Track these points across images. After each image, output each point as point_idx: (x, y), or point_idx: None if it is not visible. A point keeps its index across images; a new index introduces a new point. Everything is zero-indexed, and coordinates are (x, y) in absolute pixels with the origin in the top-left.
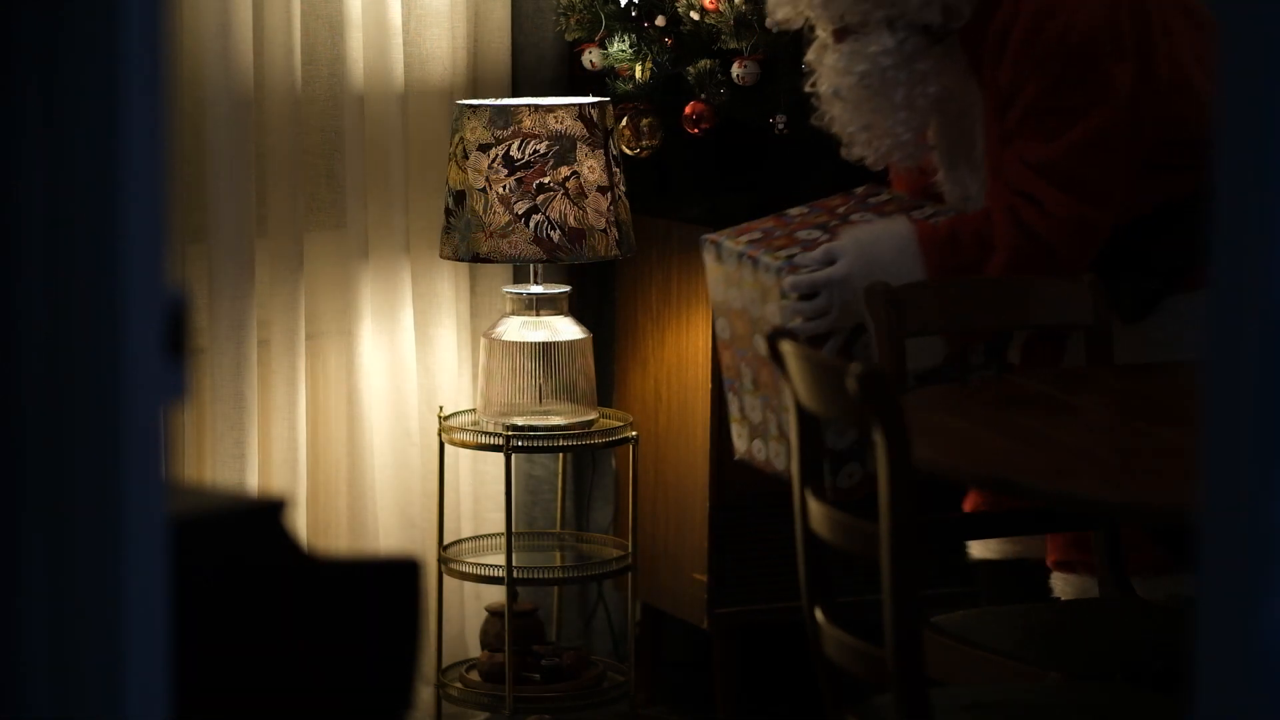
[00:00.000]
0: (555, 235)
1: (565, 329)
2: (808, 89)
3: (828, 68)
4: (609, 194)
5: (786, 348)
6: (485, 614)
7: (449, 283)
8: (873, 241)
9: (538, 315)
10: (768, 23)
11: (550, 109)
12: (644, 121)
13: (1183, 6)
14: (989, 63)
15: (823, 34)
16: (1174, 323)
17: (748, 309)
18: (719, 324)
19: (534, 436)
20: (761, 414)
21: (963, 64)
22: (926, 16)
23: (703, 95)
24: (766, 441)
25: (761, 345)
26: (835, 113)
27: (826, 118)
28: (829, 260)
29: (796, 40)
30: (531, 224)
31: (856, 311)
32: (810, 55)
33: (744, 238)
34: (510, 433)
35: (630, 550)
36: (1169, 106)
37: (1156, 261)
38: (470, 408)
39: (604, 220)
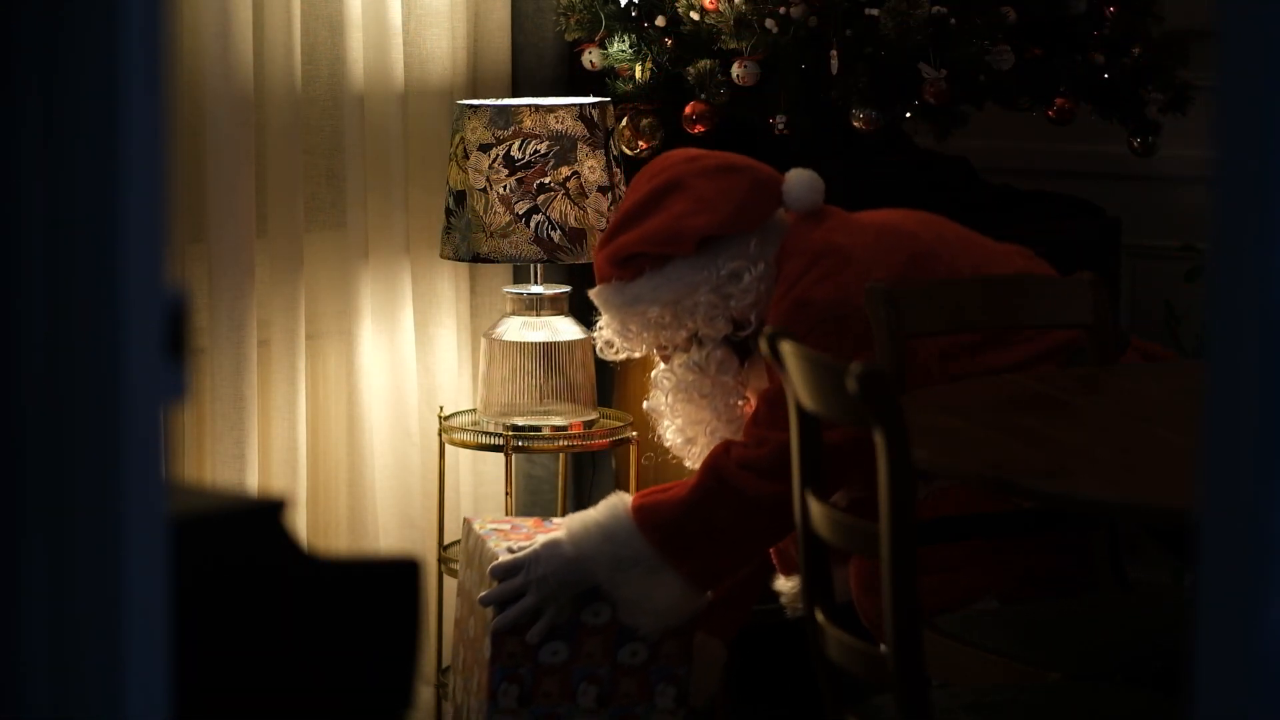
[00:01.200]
0: (556, 235)
1: (565, 329)
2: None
3: (652, 388)
4: (609, 194)
5: (786, 348)
6: None
7: (449, 283)
8: (583, 513)
9: (538, 315)
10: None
11: (551, 109)
12: (644, 121)
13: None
14: None
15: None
16: None
17: (471, 591)
18: (457, 603)
19: (534, 436)
20: (462, 695)
21: None
22: (718, 329)
23: (703, 95)
24: None
25: (472, 625)
26: (661, 428)
27: (660, 432)
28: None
29: (798, 41)
30: (532, 224)
31: (571, 581)
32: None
33: (494, 524)
34: (510, 433)
35: None
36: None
37: None
38: (470, 408)
39: (605, 220)
